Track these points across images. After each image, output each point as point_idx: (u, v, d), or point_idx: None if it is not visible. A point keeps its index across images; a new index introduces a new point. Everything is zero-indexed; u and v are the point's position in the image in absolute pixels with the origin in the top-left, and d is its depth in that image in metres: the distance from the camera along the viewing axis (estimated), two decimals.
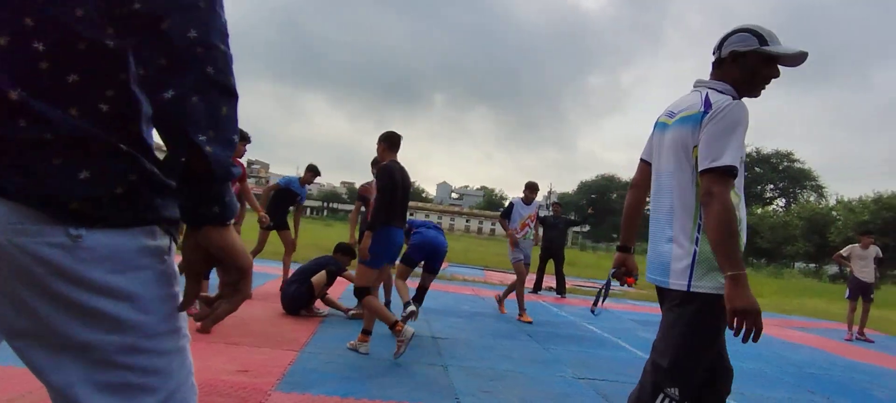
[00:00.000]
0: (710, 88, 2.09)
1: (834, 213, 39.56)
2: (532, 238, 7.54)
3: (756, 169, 67.55)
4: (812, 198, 56.70)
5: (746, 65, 2.06)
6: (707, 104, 2.00)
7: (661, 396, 2.04)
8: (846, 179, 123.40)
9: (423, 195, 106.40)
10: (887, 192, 37.21)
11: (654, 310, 10.09)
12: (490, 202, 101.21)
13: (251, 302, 6.19)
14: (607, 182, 78.89)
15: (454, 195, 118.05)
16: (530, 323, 6.94)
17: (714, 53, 2.17)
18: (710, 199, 1.90)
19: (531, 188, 7.64)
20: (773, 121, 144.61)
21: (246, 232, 7.01)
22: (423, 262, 5.81)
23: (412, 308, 5.08)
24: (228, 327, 4.84)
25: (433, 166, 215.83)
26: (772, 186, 67.62)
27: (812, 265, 41.43)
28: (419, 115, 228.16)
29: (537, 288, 10.78)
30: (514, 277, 7.48)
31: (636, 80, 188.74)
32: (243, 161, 6.42)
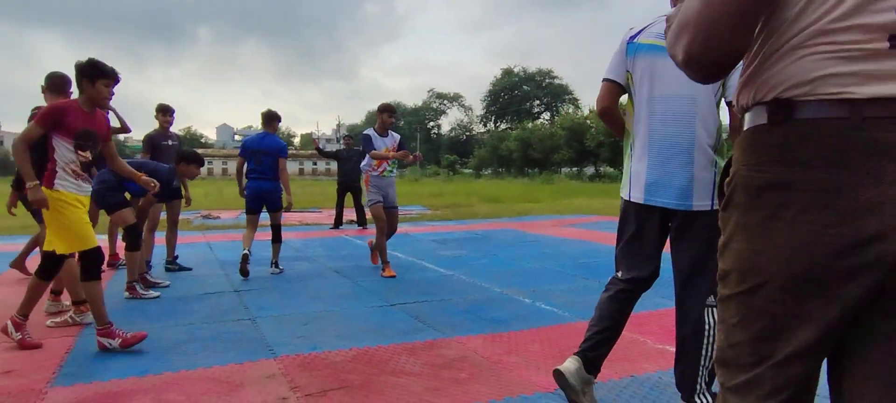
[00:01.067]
0: None
1: (588, 122, 45.28)
2: (392, 174, 6.19)
3: (524, 87, 74.14)
4: (571, 110, 64.12)
5: None
6: None
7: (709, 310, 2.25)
8: (595, 91, 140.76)
9: (202, 140, 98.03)
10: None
11: (450, 229, 10.73)
12: None
13: (1, 289, 5.19)
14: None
15: (237, 137, 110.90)
16: (394, 277, 5.85)
17: None
18: None
19: (388, 111, 6.12)
20: (533, 41, 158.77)
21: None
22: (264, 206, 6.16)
23: (273, 269, 6.12)
24: None
25: (209, 108, 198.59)
26: (538, 102, 74.98)
27: (575, 168, 47.39)
28: (184, 53, 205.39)
29: (338, 223, 10.74)
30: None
31: (411, 6, 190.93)
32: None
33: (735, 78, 2.07)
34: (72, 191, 3.55)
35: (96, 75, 3.58)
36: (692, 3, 1.03)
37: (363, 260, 6.92)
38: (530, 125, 57.03)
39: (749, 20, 0.99)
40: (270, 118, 6.29)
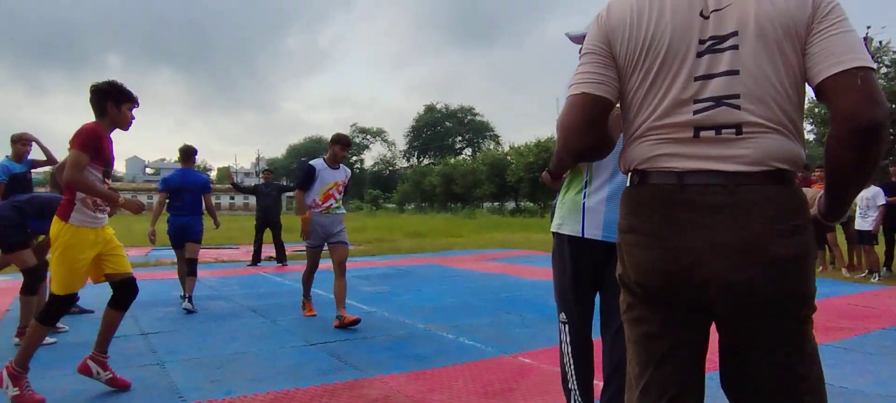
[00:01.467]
0: None
1: (508, 158, 46.46)
2: (340, 211, 5.52)
3: (447, 123, 75.33)
4: (492, 146, 65.64)
5: None
6: None
7: None
8: (514, 128, 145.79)
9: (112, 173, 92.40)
10: (544, 137, 45.25)
11: (373, 264, 10.61)
12: None
13: None
14: (316, 143, 79.28)
15: (149, 170, 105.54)
16: (314, 316, 5.73)
17: None
18: None
19: (341, 143, 5.54)
20: (454, 79, 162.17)
21: None
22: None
23: (187, 305, 5.88)
24: None
25: (117, 139, 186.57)
26: (460, 138, 76.28)
27: (496, 203, 48.32)
28: (90, 80, 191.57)
29: (256, 260, 10.37)
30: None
31: (334, 40, 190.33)
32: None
33: None
34: (86, 226, 3.31)
35: (122, 99, 3.42)
36: (562, 110, 1.45)
37: (281, 298, 6.70)
38: (453, 160, 57.79)
39: (589, 130, 1.43)
40: (189, 154, 6.37)
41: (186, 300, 5.95)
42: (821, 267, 9.02)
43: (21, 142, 5.81)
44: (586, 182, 2.49)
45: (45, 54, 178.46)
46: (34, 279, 4.54)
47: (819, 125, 29.01)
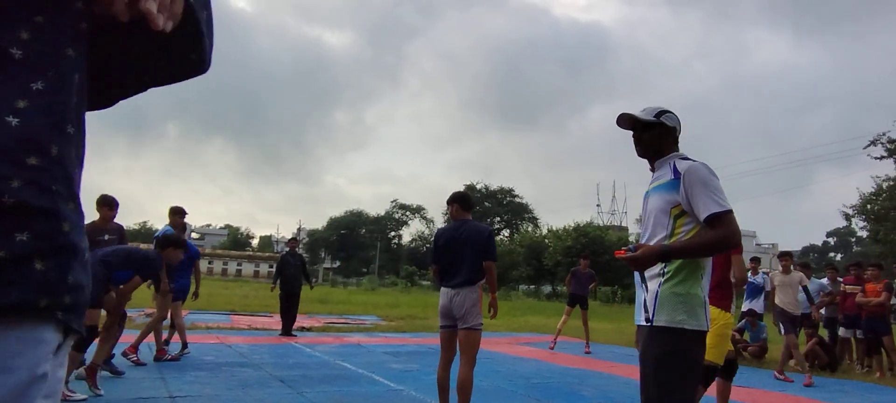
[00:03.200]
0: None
1: (546, 240, 46.09)
2: None
3: (486, 203, 75.80)
4: (530, 228, 65.40)
5: None
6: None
7: None
8: (553, 211, 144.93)
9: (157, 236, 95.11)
10: (583, 221, 44.90)
11: (404, 341, 10.50)
12: (235, 241, 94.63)
13: None
14: (356, 217, 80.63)
15: (195, 235, 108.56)
16: None
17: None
18: None
19: (461, 202, 4.99)
20: (495, 159, 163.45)
21: None
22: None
23: (186, 350, 7.10)
24: None
25: (167, 204, 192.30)
26: (498, 218, 76.47)
27: (532, 286, 47.59)
28: (148, 147, 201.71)
29: (287, 329, 10.39)
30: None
31: (379, 118, 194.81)
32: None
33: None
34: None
35: None
36: None
37: (310, 370, 6.66)
38: None
39: None
40: (184, 227, 7.72)
41: (184, 348, 7.07)
42: (878, 374, 8.50)
43: (180, 214, 7.20)
44: (702, 275, 2.46)
45: (109, 120, 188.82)
46: (89, 337, 4.75)
47: (872, 223, 28.13)
